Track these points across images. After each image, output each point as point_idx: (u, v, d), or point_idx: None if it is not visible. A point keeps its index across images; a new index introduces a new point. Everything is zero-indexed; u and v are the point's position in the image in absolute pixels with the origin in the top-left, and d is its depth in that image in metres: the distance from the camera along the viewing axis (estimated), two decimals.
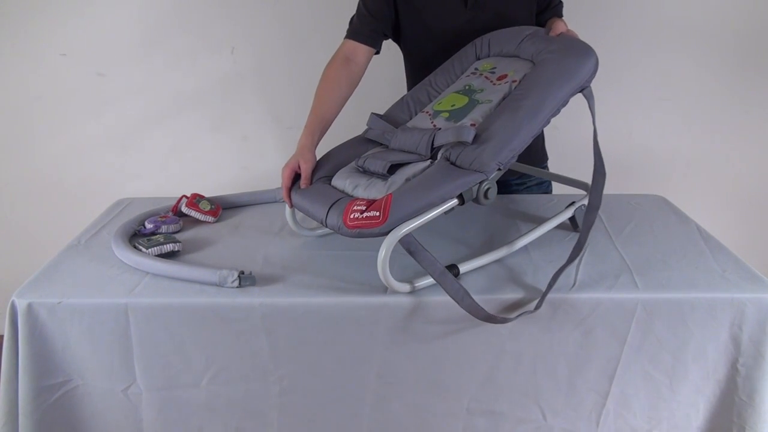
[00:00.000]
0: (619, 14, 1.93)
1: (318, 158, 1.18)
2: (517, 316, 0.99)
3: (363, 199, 1.01)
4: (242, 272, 1.03)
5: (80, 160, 2.07)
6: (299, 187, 1.14)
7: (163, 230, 1.24)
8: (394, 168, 1.07)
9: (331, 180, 1.13)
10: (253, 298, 1.01)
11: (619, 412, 1.08)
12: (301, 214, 1.15)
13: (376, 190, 1.03)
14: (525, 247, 1.16)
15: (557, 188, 1.54)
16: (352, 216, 0.97)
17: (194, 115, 2.04)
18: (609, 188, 1.14)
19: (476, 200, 1.01)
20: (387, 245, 0.95)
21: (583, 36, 1.22)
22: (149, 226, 1.24)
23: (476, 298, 0.98)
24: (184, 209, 1.31)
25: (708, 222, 1.34)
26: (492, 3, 1.36)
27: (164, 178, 2.12)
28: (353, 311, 1.01)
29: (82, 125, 2.03)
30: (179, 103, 2.03)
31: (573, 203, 1.25)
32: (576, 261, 1.08)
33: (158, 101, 2.02)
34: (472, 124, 1.08)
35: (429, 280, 1.02)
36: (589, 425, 1.08)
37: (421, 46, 1.43)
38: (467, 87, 1.21)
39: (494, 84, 1.17)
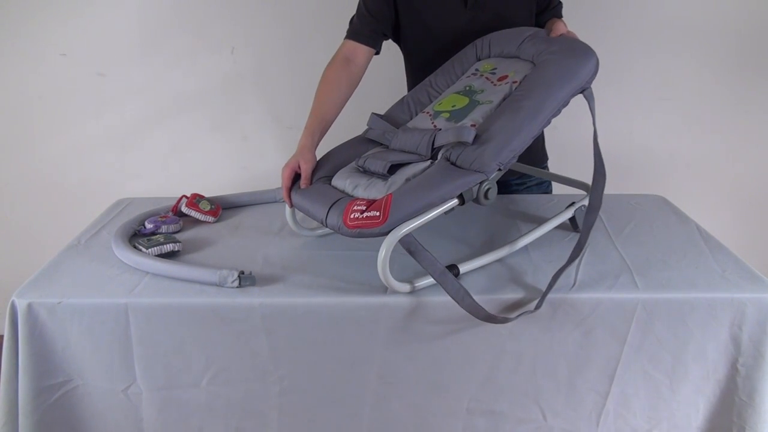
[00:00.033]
0: (619, 14, 1.93)
1: (318, 158, 1.18)
2: (518, 316, 0.99)
3: (363, 199, 1.01)
4: (242, 272, 1.03)
5: (80, 160, 2.07)
6: (299, 187, 1.14)
7: (163, 230, 1.24)
8: (394, 168, 1.07)
9: (331, 180, 1.13)
10: (253, 298, 1.01)
11: (619, 412, 1.08)
12: (301, 214, 1.15)
13: (376, 190, 1.03)
14: (525, 247, 1.16)
15: (557, 188, 1.54)
16: (352, 216, 0.97)
17: (194, 115, 2.05)
18: (609, 188, 1.14)
19: (476, 200, 1.01)
20: (387, 245, 0.95)
21: (583, 36, 1.22)
22: (149, 226, 1.24)
23: (476, 298, 0.98)
24: (184, 209, 1.31)
25: (708, 222, 1.34)
26: (492, 3, 1.36)
27: (164, 178, 2.12)
28: (353, 311, 1.01)
29: (82, 125, 2.03)
30: (179, 103, 2.03)
31: (573, 203, 1.25)
32: (576, 261, 1.08)
33: (158, 101, 2.02)
34: (472, 125, 1.08)
35: (429, 280, 1.02)
36: (589, 425, 1.08)
37: (421, 47, 1.43)
38: (468, 88, 1.21)
39: (495, 85, 1.17)
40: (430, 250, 0.98)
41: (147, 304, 1.00)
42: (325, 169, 1.15)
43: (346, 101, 1.30)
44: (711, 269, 1.09)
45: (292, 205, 1.16)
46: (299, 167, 1.14)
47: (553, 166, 1.59)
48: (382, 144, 1.18)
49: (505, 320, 0.98)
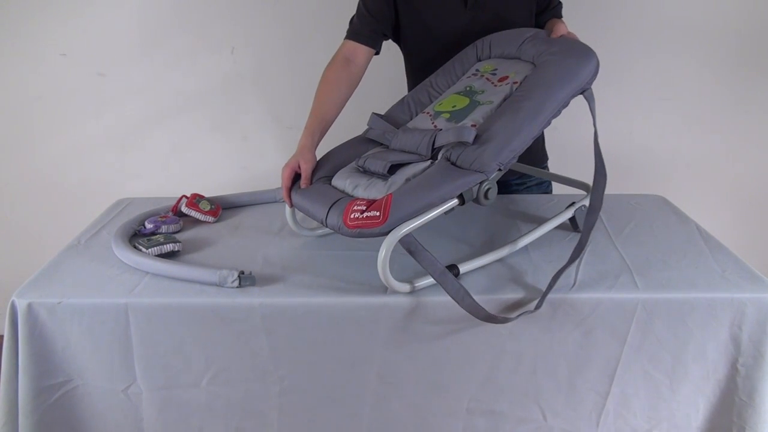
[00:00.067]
0: (619, 14, 1.93)
1: (318, 158, 1.18)
2: (518, 316, 0.99)
3: (363, 199, 1.01)
4: (242, 272, 1.03)
5: (80, 160, 2.07)
6: (299, 187, 1.14)
7: (163, 230, 1.24)
8: (394, 168, 1.07)
9: (331, 180, 1.13)
10: (253, 298, 1.01)
11: (619, 412, 1.08)
12: (301, 214, 1.15)
13: (376, 190, 1.03)
14: (525, 247, 1.16)
15: (557, 188, 1.54)
16: (352, 216, 0.97)
17: (194, 115, 2.05)
18: (609, 188, 1.14)
19: (476, 200, 1.01)
20: (387, 245, 0.95)
21: (583, 36, 1.22)
22: (149, 226, 1.24)
23: (476, 298, 0.98)
24: (184, 209, 1.31)
25: (708, 222, 1.34)
26: (492, 3, 1.36)
27: (164, 178, 2.12)
28: (353, 311, 1.01)
29: (82, 125, 2.03)
30: (179, 103, 2.03)
31: (573, 203, 1.25)
32: (576, 261, 1.08)
33: (158, 101, 2.02)
34: (472, 125, 1.08)
35: (429, 280, 1.02)
36: (589, 425, 1.08)
37: (421, 47, 1.43)
38: (468, 88, 1.21)
39: (495, 85, 1.17)
40: (430, 250, 0.98)
41: (147, 304, 1.00)
42: (325, 169, 1.15)
43: (346, 101, 1.30)
44: (711, 269, 1.09)
45: (292, 205, 1.16)
46: (299, 167, 1.14)
47: (553, 166, 1.59)
48: (382, 144, 1.18)
49: (505, 320, 0.98)
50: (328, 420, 1.08)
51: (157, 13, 1.91)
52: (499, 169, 1.02)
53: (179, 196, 1.34)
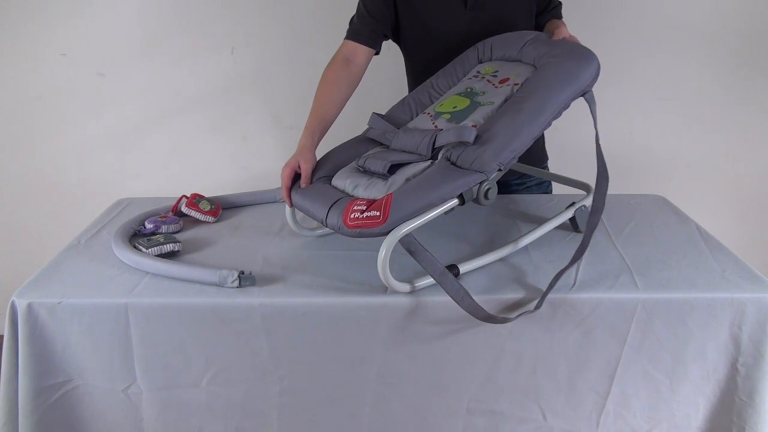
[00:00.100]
0: (619, 14, 1.93)
1: (318, 158, 1.18)
2: (517, 317, 0.99)
3: (363, 199, 1.01)
4: (242, 272, 1.03)
5: (80, 160, 2.07)
6: (299, 187, 1.14)
7: (163, 230, 1.24)
8: (394, 168, 1.07)
9: (331, 180, 1.13)
10: (253, 298, 1.01)
11: (619, 412, 1.08)
12: (301, 214, 1.15)
13: (376, 190, 1.03)
14: (525, 247, 1.16)
15: (557, 188, 1.54)
16: (352, 216, 0.97)
17: (194, 115, 2.05)
18: (609, 188, 1.14)
19: (476, 200, 1.01)
20: (387, 245, 0.95)
21: (583, 36, 1.22)
22: (149, 226, 1.24)
23: (476, 298, 0.98)
24: (184, 209, 1.31)
25: (708, 222, 1.34)
26: (492, 4, 1.36)
27: (164, 178, 2.12)
28: (353, 311, 1.01)
29: (82, 125, 2.03)
30: (179, 103, 2.03)
31: (573, 204, 1.25)
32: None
33: (158, 101, 2.02)
34: (473, 125, 1.08)
35: (429, 280, 1.02)
36: (589, 425, 1.08)
37: (421, 47, 1.43)
38: (469, 89, 1.21)
39: (496, 87, 1.17)
40: (431, 250, 0.98)
41: (147, 304, 1.00)
42: (325, 168, 1.15)
43: (346, 101, 1.30)
44: (711, 269, 1.09)
45: (292, 205, 1.16)
46: (299, 167, 1.14)
47: (553, 166, 1.59)
48: (382, 144, 1.18)
49: (504, 320, 0.98)
50: (328, 420, 1.08)
51: (157, 13, 1.91)
52: (500, 170, 1.02)
53: (179, 196, 1.34)
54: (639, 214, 1.34)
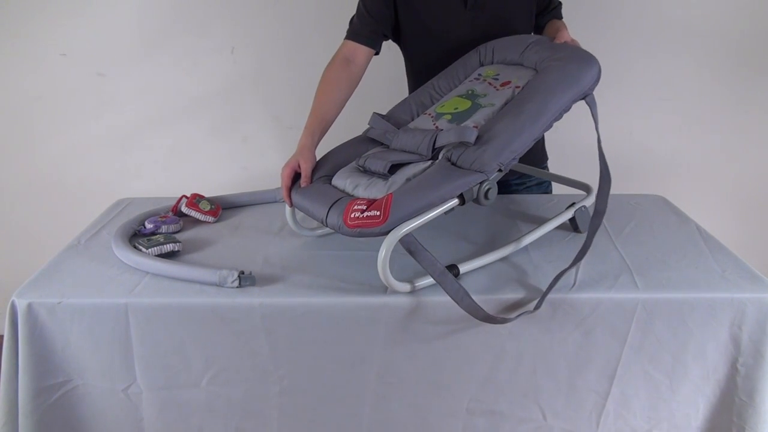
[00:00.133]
0: (619, 14, 1.93)
1: (318, 158, 1.18)
2: (517, 317, 0.99)
3: (363, 199, 1.01)
4: (242, 272, 1.03)
5: (80, 160, 2.07)
6: (299, 187, 1.14)
7: (163, 230, 1.24)
8: (394, 168, 1.07)
9: (331, 179, 1.13)
10: (253, 298, 1.01)
11: (619, 413, 1.08)
12: (301, 214, 1.15)
13: (376, 189, 1.03)
14: (525, 247, 1.16)
15: (557, 188, 1.54)
16: (352, 215, 0.97)
17: (194, 115, 2.05)
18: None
19: (477, 200, 1.01)
20: (387, 245, 0.95)
21: (583, 36, 1.22)
22: (149, 226, 1.24)
23: (476, 298, 0.98)
24: (184, 209, 1.31)
25: (708, 222, 1.34)
26: (492, 4, 1.36)
27: (164, 178, 2.12)
28: (353, 311, 1.01)
29: (82, 125, 2.03)
30: (179, 103, 2.03)
31: (573, 204, 1.25)
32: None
33: (158, 101, 2.02)
34: (474, 126, 1.08)
35: (429, 280, 1.02)
36: (589, 425, 1.08)
37: (421, 47, 1.43)
38: (470, 92, 1.21)
39: (497, 89, 1.17)
40: (431, 250, 0.98)
41: (147, 304, 1.00)
42: (325, 168, 1.15)
43: (346, 101, 1.30)
44: (711, 269, 1.09)
45: (292, 205, 1.16)
46: (299, 166, 1.14)
47: (553, 166, 1.59)
48: (382, 144, 1.18)
49: (504, 320, 0.98)
50: (328, 420, 1.08)
51: (157, 13, 1.91)
52: (500, 170, 1.02)
53: (179, 196, 1.34)
54: (639, 214, 1.34)
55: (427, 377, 1.05)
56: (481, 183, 1.00)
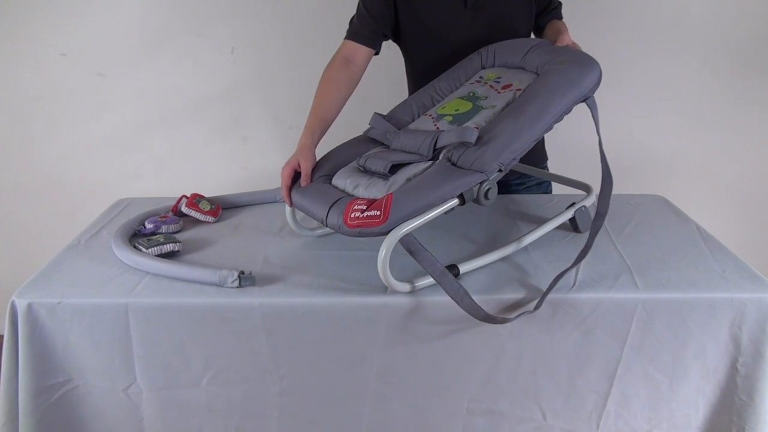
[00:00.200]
0: (619, 14, 1.93)
1: (318, 158, 1.18)
2: (517, 317, 0.99)
3: (363, 199, 1.01)
4: (242, 272, 1.03)
5: (80, 160, 2.07)
6: (299, 187, 1.14)
7: (163, 230, 1.24)
8: (395, 168, 1.07)
9: (331, 179, 1.13)
10: (253, 298, 1.01)
11: (620, 413, 1.08)
12: (301, 214, 1.15)
13: (376, 189, 1.03)
14: (525, 247, 1.16)
15: (557, 188, 1.54)
16: (352, 215, 0.97)
17: (194, 115, 2.05)
18: None
19: (477, 200, 1.01)
20: (387, 245, 0.95)
21: (583, 36, 1.22)
22: (149, 226, 1.24)
23: (476, 298, 0.98)
24: (184, 209, 1.31)
25: (708, 222, 1.34)
26: (491, 4, 1.36)
27: (164, 178, 2.12)
28: (353, 311, 1.01)
29: (82, 125, 2.03)
30: (179, 103, 2.03)
31: (573, 204, 1.25)
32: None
33: (158, 101, 2.02)
34: (475, 127, 1.08)
35: (429, 280, 1.02)
36: (589, 425, 1.08)
37: (421, 47, 1.43)
38: (471, 93, 1.21)
39: (499, 92, 1.18)
40: (431, 250, 0.98)
41: (147, 304, 1.00)
42: (325, 168, 1.15)
43: (346, 101, 1.30)
44: (711, 269, 1.09)
45: (292, 205, 1.16)
46: (299, 166, 1.14)
47: (553, 166, 1.59)
48: (383, 144, 1.18)
49: (504, 320, 0.98)
50: (328, 420, 1.08)
51: (157, 13, 1.91)
52: (500, 170, 1.02)
53: (179, 196, 1.34)
54: (639, 214, 1.34)
55: (427, 377, 1.05)
56: (481, 183, 1.00)
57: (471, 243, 1.20)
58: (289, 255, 1.17)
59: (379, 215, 0.94)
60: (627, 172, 1.94)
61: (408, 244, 0.97)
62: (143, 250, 1.12)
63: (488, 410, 1.08)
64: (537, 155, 1.55)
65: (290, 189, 1.15)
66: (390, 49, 1.45)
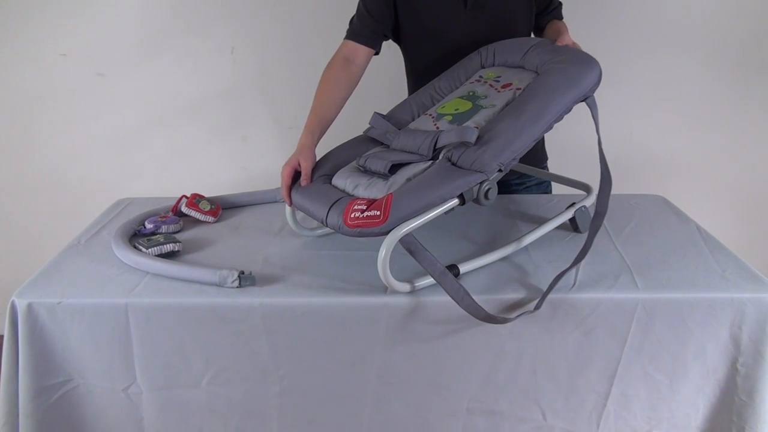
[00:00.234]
0: (619, 14, 1.93)
1: (318, 158, 1.18)
2: (517, 317, 0.99)
3: (363, 199, 1.01)
4: (242, 272, 1.03)
5: (80, 160, 2.07)
6: (299, 187, 1.14)
7: (163, 230, 1.24)
8: (395, 168, 1.07)
9: (331, 179, 1.13)
10: (253, 298, 1.01)
11: (620, 413, 1.08)
12: (301, 214, 1.15)
13: (376, 189, 1.03)
14: (525, 247, 1.16)
15: (557, 188, 1.54)
16: (352, 215, 0.97)
17: (194, 115, 2.05)
18: None
19: (477, 200, 1.01)
20: (387, 245, 0.95)
21: (583, 36, 1.22)
22: (149, 226, 1.24)
23: (476, 298, 0.98)
24: (184, 209, 1.31)
25: (708, 222, 1.34)
26: (491, 4, 1.36)
27: (164, 178, 2.12)
28: (353, 311, 1.01)
29: (82, 125, 2.03)
30: (179, 103, 2.03)
31: (573, 204, 1.25)
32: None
33: (158, 101, 2.02)
34: (475, 127, 1.08)
35: (429, 280, 1.02)
36: (589, 425, 1.08)
37: (421, 47, 1.43)
38: (471, 93, 1.21)
39: (498, 91, 1.18)
40: (431, 250, 0.98)
41: (147, 304, 1.00)
42: (325, 168, 1.15)
43: (346, 101, 1.30)
44: (711, 269, 1.09)
45: (291, 204, 1.16)
46: (299, 165, 1.14)
47: (553, 166, 1.59)
48: (382, 144, 1.18)
49: (504, 320, 0.98)
50: (328, 420, 1.08)
51: (157, 14, 1.91)
52: (500, 170, 1.02)
53: (179, 196, 1.34)
54: (639, 214, 1.34)
55: (427, 377, 1.05)
56: (481, 183, 1.00)
57: (471, 243, 1.20)
58: (289, 255, 1.17)
59: (379, 215, 0.94)
60: (627, 172, 1.94)
61: (408, 244, 0.97)
62: (143, 250, 1.12)
63: (488, 410, 1.08)
64: (537, 155, 1.55)
65: (290, 189, 1.15)
66: (390, 49, 1.45)
